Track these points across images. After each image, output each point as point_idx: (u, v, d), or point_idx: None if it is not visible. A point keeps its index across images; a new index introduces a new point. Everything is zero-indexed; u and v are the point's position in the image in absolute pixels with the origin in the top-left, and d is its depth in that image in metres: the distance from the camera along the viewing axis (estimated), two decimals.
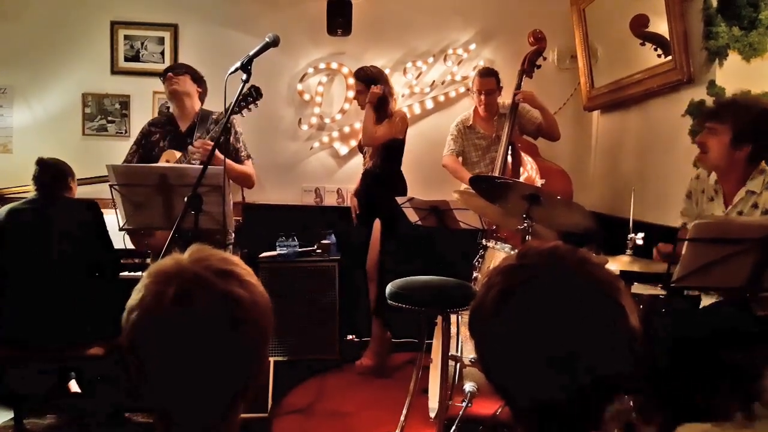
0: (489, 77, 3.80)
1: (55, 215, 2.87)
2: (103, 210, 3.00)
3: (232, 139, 3.10)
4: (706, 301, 2.44)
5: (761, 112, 2.28)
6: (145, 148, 3.17)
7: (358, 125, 4.39)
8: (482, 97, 3.81)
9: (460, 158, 3.98)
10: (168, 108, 3.55)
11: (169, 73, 3.13)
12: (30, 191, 3.03)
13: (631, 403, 2.17)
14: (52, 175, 2.93)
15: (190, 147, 2.94)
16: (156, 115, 4.36)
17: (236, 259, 0.97)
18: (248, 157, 3.19)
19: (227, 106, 2.40)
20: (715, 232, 2.00)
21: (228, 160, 2.80)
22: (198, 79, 3.18)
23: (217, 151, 2.51)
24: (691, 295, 2.48)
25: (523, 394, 0.86)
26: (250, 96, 2.79)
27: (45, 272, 2.77)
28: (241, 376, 0.91)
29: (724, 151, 2.31)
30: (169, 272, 0.90)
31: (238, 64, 2.21)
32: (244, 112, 2.78)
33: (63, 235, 2.83)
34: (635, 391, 2.14)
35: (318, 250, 3.95)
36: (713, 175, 2.49)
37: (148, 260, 3.46)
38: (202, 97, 3.19)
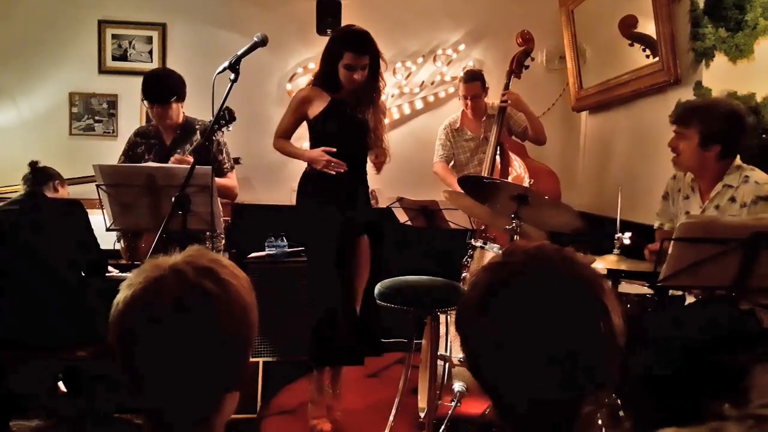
0: (473, 82, 3.81)
1: (42, 215, 2.84)
2: (89, 210, 2.97)
3: (214, 150, 3.03)
4: (690, 300, 2.47)
5: (725, 111, 2.34)
6: (131, 159, 3.10)
7: None
8: (468, 101, 3.83)
9: (451, 162, 3.99)
10: None
11: (156, 106, 2.94)
12: (16, 191, 3.00)
13: (619, 401, 2.18)
14: (40, 176, 2.91)
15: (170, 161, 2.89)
16: (143, 116, 4.33)
17: (226, 261, 0.99)
18: (232, 168, 3.15)
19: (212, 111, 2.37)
20: (701, 231, 2.02)
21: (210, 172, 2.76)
22: (181, 94, 3.00)
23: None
24: (675, 295, 2.51)
25: (508, 391, 0.86)
26: (223, 119, 2.65)
27: (38, 273, 2.74)
28: (220, 373, 0.93)
29: (695, 152, 2.37)
30: (154, 268, 0.92)
31: (226, 64, 2.21)
32: (224, 130, 2.67)
33: (52, 235, 2.80)
34: (620, 389, 2.15)
35: None
36: (689, 175, 2.53)
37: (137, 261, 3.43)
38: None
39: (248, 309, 0.96)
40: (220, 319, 0.90)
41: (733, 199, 2.34)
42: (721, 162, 2.37)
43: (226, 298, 0.92)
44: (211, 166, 2.44)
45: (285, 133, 3.00)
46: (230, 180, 3.14)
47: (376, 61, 2.83)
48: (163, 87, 2.96)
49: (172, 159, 2.89)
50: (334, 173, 2.79)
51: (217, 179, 2.99)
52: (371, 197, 4.37)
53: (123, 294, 0.91)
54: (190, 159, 2.83)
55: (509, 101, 3.67)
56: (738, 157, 2.39)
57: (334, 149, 2.81)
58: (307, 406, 2.97)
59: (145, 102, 3.00)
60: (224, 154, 3.11)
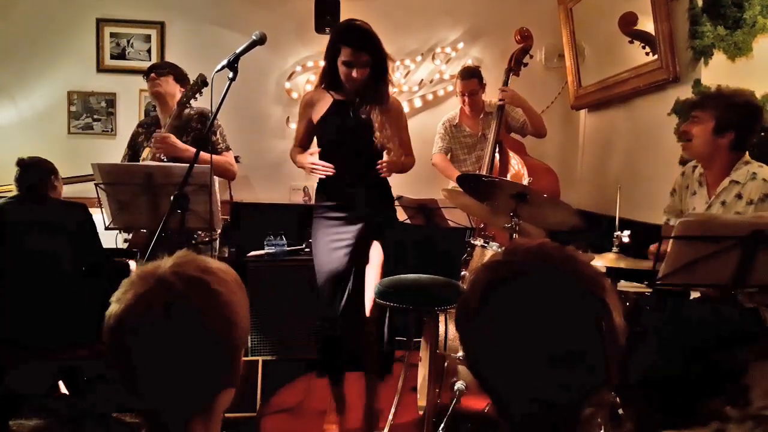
0: (470, 78, 3.82)
1: (44, 215, 2.84)
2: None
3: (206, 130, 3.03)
4: (694, 296, 2.47)
5: (743, 101, 2.35)
6: (134, 149, 3.20)
7: None
8: (465, 98, 3.84)
9: (449, 155, 4.00)
10: (154, 107, 3.53)
11: (152, 74, 3.09)
12: (13, 190, 2.99)
13: (618, 399, 2.18)
14: (34, 175, 2.89)
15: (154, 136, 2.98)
16: (142, 113, 4.34)
17: (215, 264, 1.00)
18: (227, 149, 3.17)
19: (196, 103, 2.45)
20: (700, 229, 2.02)
21: (202, 153, 2.64)
22: (181, 79, 3.14)
23: (183, 144, 2.88)
24: (677, 291, 2.50)
25: (507, 390, 0.86)
26: (196, 85, 2.86)
27: (38, 273, 2.74)
28: (214, 375, 0.95)
29: (708, 137, 2.36)
30: (142, 281, 0.94)
31: (224, 62, 2.20)
32: (197, 96, 2.94)
33: (54, 235, 2.79)
34: (620, 389, 2.15)
35: (306, 249, 3.93)
36: (698, 170, 2.52)
37: (133, 260, 3.42)
38: None
39: (239, 310, 0.97)
40: (210, 326, 0.93)
41: (739, 196, 2.33)
42: (731, 153, 2.35)
43: (216, 304, 0.94)
44: (209, 166, 2.42)
45: (300, 142, 2.88)
46: (226, 158, 3.14)
47: (379, 56, 2.66)
48: (165, 63, 3.31)
49: (153, 136, 2.98)
50: (327, 176, 2.73)
51: (207, 156, 2.99)
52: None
53: (113, 308, 0.93)
54: (168, 135, 2.92)
55: (505, 99, 3.67)
56: (747, 153, 2.38)
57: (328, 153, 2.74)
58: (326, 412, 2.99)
59: (145, 77, 3.16)
60: (218, 135, 3.12)
